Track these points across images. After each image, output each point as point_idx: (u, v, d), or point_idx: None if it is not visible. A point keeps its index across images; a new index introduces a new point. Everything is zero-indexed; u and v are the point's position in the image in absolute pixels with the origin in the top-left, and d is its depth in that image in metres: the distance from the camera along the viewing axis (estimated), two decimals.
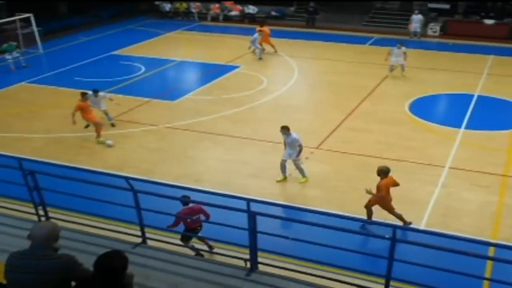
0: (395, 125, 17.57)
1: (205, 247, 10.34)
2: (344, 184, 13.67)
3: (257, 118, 18.59)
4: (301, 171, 13.90)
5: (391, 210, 11.40)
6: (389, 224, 7.31)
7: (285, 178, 14.00)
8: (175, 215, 9.75)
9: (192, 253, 9.97)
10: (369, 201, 11.58)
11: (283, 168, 13.89)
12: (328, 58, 26.52)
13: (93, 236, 8.70)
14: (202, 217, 10.16)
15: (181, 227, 10.27)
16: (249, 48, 27.32)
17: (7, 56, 25.55)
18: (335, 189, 13.49)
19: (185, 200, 9.47)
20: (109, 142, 16.62)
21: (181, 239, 10.13)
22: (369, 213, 11.58)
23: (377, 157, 15.12)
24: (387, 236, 6.94)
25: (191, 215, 10.03)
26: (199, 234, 10.24)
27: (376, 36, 31.51)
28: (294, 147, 13.57)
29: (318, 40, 30.70)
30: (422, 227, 11.53)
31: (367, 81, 22.18)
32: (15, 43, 26.50)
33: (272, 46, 27.66)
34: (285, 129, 13.67)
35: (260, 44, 26.92)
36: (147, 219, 8.72)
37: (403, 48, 22.56)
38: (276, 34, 32.31)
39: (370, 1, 35.78)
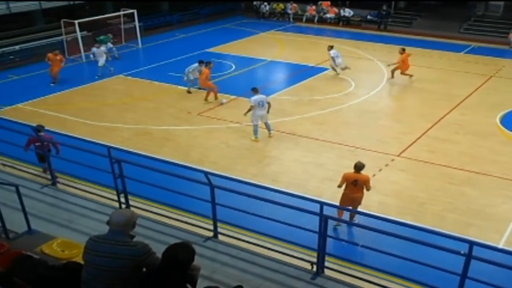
0: (483, 137, 16.89)
1: None
2: (422, 195, 13.35)
3: (340, 122, 18.52)
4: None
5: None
6: (466, 240, 7.11)
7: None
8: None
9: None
10: None
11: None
12: (421, 65, 25.76)
13: (168, 226, 9.12)
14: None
15: None
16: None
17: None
18: (413, 199, 13.20)
19: (37, 128, 12.25)
20: (224, 100, 20.10)
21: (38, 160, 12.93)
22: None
23: (461, 169, 14.68)
24: (462, 252, 6.79)
25: (39, 141, 12.19)
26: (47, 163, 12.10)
27: (474, 44, 30.35)
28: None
29: (413, 46, 29.85)
30: (501, 245, 11.07)
31: (459, 90, 21.46)
32: (111, 36, 28.14)
33: None
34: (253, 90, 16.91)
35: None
36: (221, 214, 9.02)
37: None
38: (371, 38, 32.05)
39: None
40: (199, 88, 21.41)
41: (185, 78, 21.77)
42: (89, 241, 5.16)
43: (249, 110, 16.69)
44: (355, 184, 11.46)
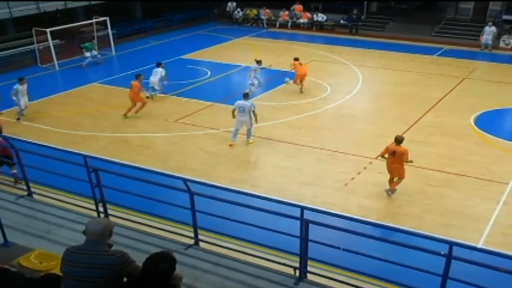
0: (458, 139, 17.12)
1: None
2: (402, 197, 13.44)
3: (317, 126, 18.57)
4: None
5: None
6: (445, 240, 7.15)
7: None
8: None
9: None
10: None
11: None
12: (395, 68, 26.16)
13: (148, 235, 8.98)
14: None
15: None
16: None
17: (87, 54, 27.43)
18: (393, 201, 13.29)
19: None
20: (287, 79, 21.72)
21: None
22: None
23: (438, 170, 14.84)
24: (442, 253, 6.81)
25: None
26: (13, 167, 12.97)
27: (445, 47, 30.78)
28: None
29: (385, 49, 30.29)
30: (480, 245, 11.20)
31: (433, 93, 21.73)
32: (95, 42, 28.29)
33: None
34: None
35: None
36: (201, 221, 8.92)
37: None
38: (344, 43, 32.30)
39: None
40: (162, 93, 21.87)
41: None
42: (66, 252, 5.10)
43: (233, 112, 16.81)
44: (393, 155, 13.03)
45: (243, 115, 16.62)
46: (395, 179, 13.41)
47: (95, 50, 27.96)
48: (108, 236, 5.14)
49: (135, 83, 19.52)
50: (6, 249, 7.64)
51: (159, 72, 21.56)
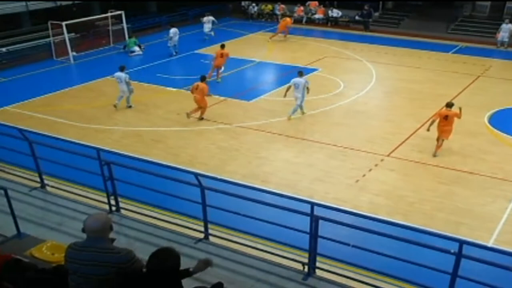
0: (471, 137, 16.98)
1: None
2: (412, 195, 13.40)
3: (330, 122, 18.54)
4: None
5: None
6: (456, 239, 7.14)
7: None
8: None
9: None
10: None
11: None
12: (409, 65, 26.00)
13: (158, 228, 9.07)
14: None
15: None
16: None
17: (136, 48, 29.02)
18: (403, 198, 13.24)
19: None
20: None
21: None
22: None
23: (450, 168, 14.75)
24: (452, 251, 6.81)
25: None
26: None
27: (461, 44, 30.54)
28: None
29: (400, 46, 30.08)
30: (491, 244, 11.14)
31: (447, 90, 21.54)
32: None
33: None
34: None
35: None
36: (212, 216, 8.99)
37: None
38: (359, 39, 32.15)
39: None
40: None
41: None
42: (68, 249, 5.05)
43: (287, 89, 18.74)
44: (446, 119, 15.12)
45: (297, 91, 18.49)
46: (441, 141, 15.37)
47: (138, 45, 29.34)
48: (109, 231, 5.05)
49: (202, 85, 18.23)
50: (19, 240, 7.77)
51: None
